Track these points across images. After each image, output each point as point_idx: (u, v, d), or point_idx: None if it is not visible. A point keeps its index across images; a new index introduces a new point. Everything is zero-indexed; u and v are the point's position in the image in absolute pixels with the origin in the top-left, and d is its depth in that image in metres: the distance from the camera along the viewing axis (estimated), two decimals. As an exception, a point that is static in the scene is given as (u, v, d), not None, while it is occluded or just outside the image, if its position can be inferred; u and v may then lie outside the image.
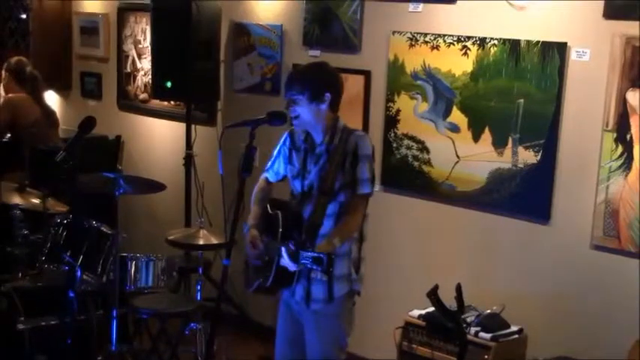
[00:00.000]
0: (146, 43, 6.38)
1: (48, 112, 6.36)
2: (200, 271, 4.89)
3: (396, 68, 4.80)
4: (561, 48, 4.13)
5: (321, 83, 3.50)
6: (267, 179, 3.78)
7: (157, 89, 5.73)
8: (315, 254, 3.20)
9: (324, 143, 3.52)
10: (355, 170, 3.47)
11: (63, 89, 7.23)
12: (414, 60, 4.71)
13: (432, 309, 4.13)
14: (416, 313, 4.35)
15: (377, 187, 4.92)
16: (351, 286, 3.57)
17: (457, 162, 4.59)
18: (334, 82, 3.56)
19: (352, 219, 3.49)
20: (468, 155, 4.54)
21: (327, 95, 3.49)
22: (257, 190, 3.76)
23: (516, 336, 4.21)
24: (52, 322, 4.54)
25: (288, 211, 3.56)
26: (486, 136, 4.45)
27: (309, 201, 3.52)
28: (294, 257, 3.28)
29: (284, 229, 3.48)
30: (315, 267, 3.21)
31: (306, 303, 3.55)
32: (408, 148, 4.79)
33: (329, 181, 3.45)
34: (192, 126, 5.75)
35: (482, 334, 4.11)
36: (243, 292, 4.96)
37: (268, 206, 3.66)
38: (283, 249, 3.32)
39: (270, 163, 3.74)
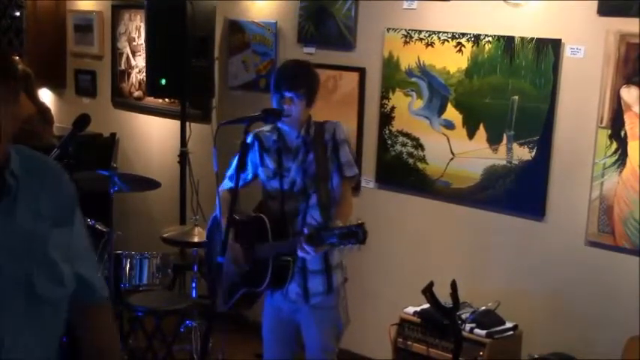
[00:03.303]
0: (140, 41, 6.37)
1: (42, 110, 6.35)
2: (195, 268, 4.89)
3: (390, 65, 4.80)
4: (556, 45, 4.14)
5: (315, 86, 3.57)
6: (229, 189, 3.63)
7: (151, 87, 5.72)
8: (345, 229, 3.17)
9: (301, 136, 3.54)
10: (338, 155, 3.54)
11: (57, 87, 7.22)
12: (409, 57, 4.71)
13: (427, 306, 4.14)
14: (411, 309, 4.35)
15: (371, 184, 4.96)
16: (344, 274, 3.62)
17: (452, 159, 4.59)
18: (319, 83, 3.62)
19: (348, 202, 3.57)
20: (462, 152, 4.54)
21: (316, 97, 3.58)
22: (223, 203, 3.57)
23: (511, 332, 4.21)
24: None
25: (269, 213, 3.56)
26: (481, 132, 4.46)
27: (293, 198, 3.53)
28: (315, 241, 3.23)
29: (273, 228, 3.48)
30: (345, 243, 3.16)
31: (305, 299, 3.56)
32: (403, 145, 4.79)
33: (322, 166, 3.49)
34: (187, 123, 5.74)
35: (477, 331, 4.12)
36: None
37: (236, 217, 3.51)
38: (301, 238, 3.29)
39: (231, 171, 3.64)
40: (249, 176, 3.67)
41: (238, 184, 3.39)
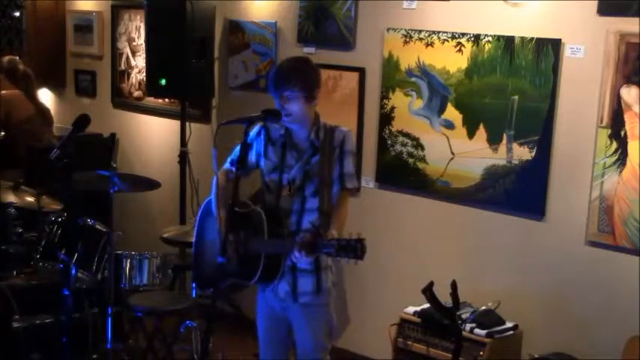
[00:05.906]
0: (140, 41, 6.37)
1: (42, 110, 6.35)
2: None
3: (390, 65, 4.80)
4: (556, 44, 4.14)
5: (313, 81, 3.53)
6: (227, 175, 3.64)
7: (151, 87, 5.72)
8: (344, 241, 3.15)
9: (309, 139, 3.53)
10: (342, 165, 3.53)
11: (57, 87, 7.23)
12: (409, 57, 4.71)
13: (427, 305, 4.14)
14: (411, 309, 4.36)
15: (371, 184, 4.96)
16: (332, 277, 3.62)
17: (452, 159, 4.59)
18: (320, 78, 3.59)
19: (344, 213, 3.55)
20: (462, 152, 4.54)
21: (318, 92, 3.54)
22: (219, 190, 3.60)
23: (511, 332, 4.21)
24: (47, 320, 4.54)
25: (264, 206, 3.54)
26: (481, 132, 4.45)
27: (290, 196, 3.52)
28: (311, 247, 3.22)
29: (269, 224, 3.47)
30: (341, 255, 3.15)
31: (293, 297, 3.55)
32: (403, 145, 4.79)
33: (327, 172, 3.48)
34: (187, 123, 5.75)
35: (477, 331, 4.12)
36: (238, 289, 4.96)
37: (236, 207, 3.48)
38: (297, 240, 3.27)
39: (234, 156, 3.63)
40: (252, 161, 3.63)
41: (239, 179, 3.38)
